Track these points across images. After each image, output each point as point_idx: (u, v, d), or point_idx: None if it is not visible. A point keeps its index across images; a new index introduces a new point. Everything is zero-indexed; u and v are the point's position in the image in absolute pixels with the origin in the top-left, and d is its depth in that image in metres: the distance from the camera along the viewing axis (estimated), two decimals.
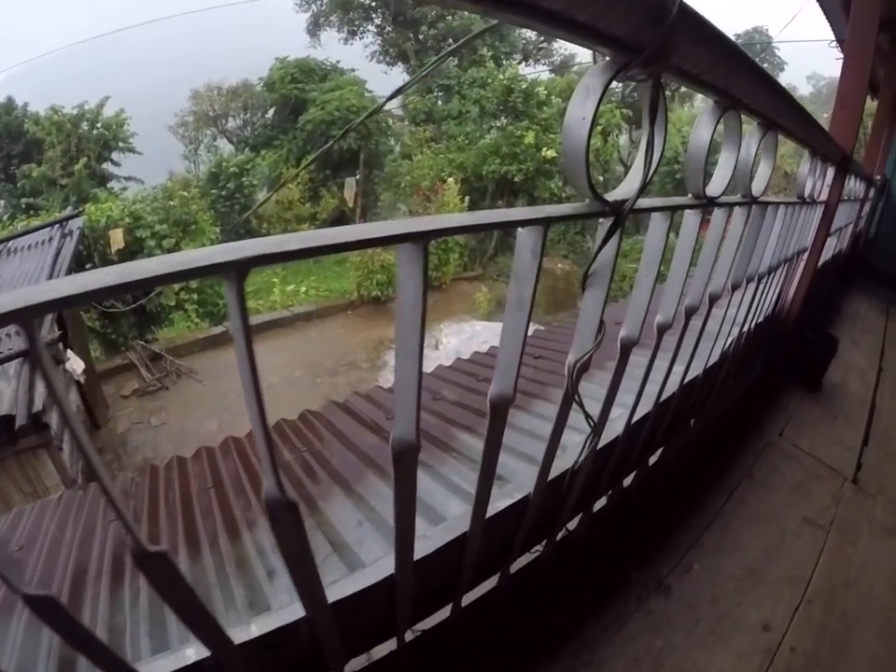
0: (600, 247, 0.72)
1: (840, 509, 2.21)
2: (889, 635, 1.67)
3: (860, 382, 3.66)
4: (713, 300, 1.33)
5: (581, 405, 0.89)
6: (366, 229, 0.53)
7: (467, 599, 1.23)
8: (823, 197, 2.68)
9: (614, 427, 1.30)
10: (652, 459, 1.80)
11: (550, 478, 1.06)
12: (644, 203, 0.78)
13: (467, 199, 16.97)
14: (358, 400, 2.66)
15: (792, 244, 2.16)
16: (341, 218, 18.31)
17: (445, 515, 1.26)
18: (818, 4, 5.80)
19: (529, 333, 2.55)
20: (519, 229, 0.63)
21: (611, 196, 0.71)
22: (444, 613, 1.21)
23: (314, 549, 1.25)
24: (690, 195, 0.97)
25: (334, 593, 0.88)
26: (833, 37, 6.56)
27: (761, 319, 2.23)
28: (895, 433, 3.06)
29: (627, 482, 1.68)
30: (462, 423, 1.97)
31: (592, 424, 0.99)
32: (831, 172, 2.67)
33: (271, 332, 12.62)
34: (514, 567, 1.29)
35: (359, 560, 1.24)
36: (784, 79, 27.37)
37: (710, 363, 1.68)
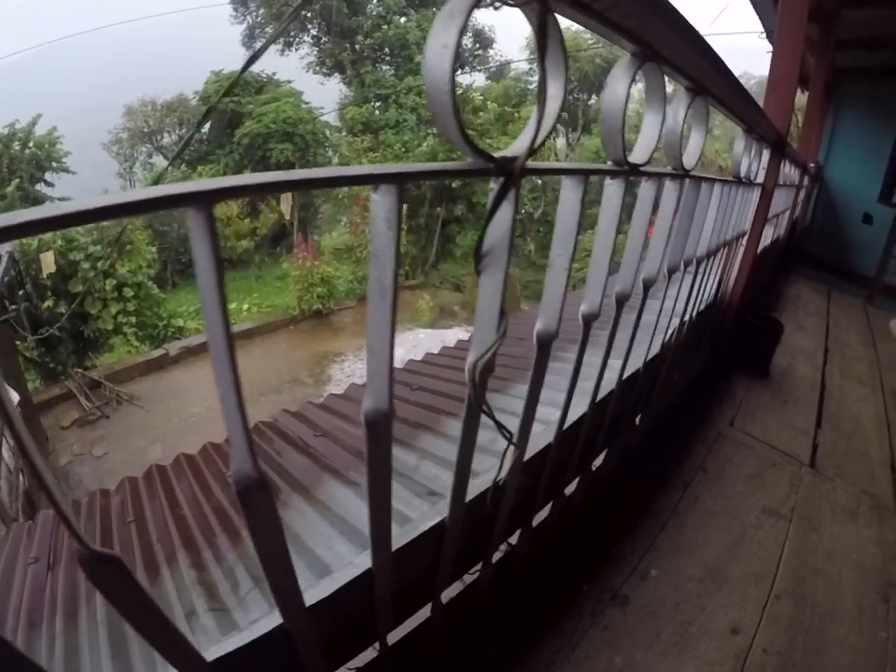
0: (489, 216, 0.58)
1: (800, 495, 2.18)
2: (865, 623, 1.62)
3: (807, 364, 3.71)
4: (647, 285, 1.22)
5: (489, 414, 0.74)
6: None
7: (393, 637, 1.08)
8: (760, 179, 2.65)
9: (547, 433, 1.17)
10: (597, 463, 1.68)
11: (472, 496, 0.92)
12: (547, 164, 0.65)
13: (405, 206, 16.97)
14: (288, 419, 2.49)
15: (731, 227, 2.09)
16: (281, 233, 18.10)
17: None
18: None
19: (465, 337, 2.43)
20: (372, 195, 0.49)
21: (500, 153, 0.57)
22: (370, 654, 1.06)
23: (237, 579, 1.09)
24: (609, 161, 0.84)
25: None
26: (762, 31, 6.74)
27: (702, 307, 2.15)
28: (847, 412, 3.11)
29: (570, 489, 1.54)
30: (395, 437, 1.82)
31: (507, 435, 0.84)
32: (766, 153, 2.64)
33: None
34: (447, 596, 1.14)
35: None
36: None
37: (651, 356, 1.56)
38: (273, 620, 0.76)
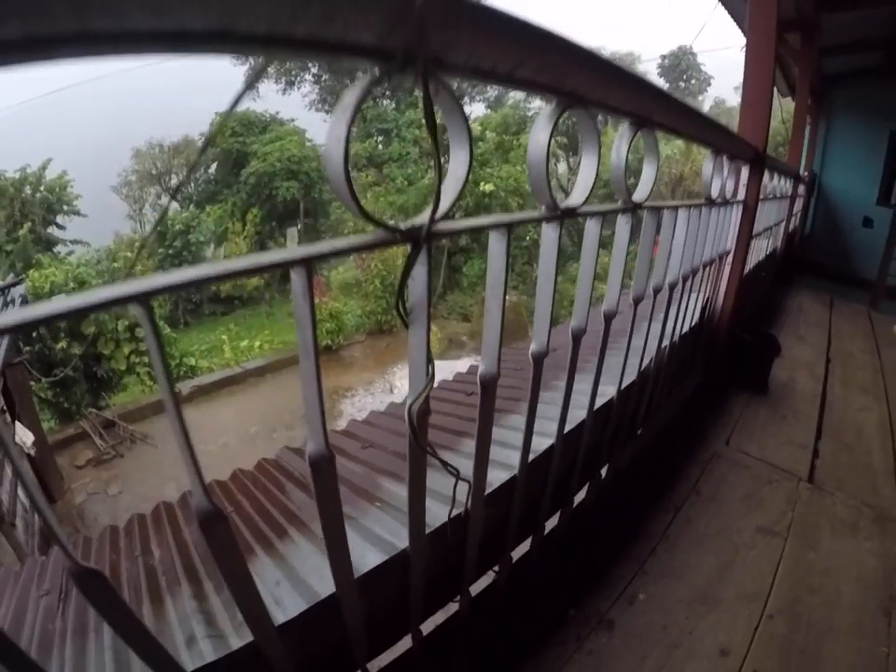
0: (403, 279, 0.63)
1: (797, 512, 2.14)
2: (864, 639, 1.59)
3: (808, 376, 3.66)
4: (608, 317, 1.26)
5: (434, 454, 0.79)
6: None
7: (376, 666, 1.11)
8: (741, 196, 2.67)
9: (512, 467, 1.20)
10: (579, 496, 1.70)
11: (433, 528, 0.96)
12: (463, 222, 0.70)
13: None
14: (289, 455, 2.53)
15: (709, 248, 2.10)
16: None
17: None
18: (725, 10, 5.97)
19: (465, 370, 2.46)
20: (291, 271, 0.55)
21: (407, 223, 0.62)
22: None
23: (234, 607, 1.12)
24: (543, 207, 0.89)
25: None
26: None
27: (686, 329, 2.16)
28: (849, 423, 3.05)
29: (552, 524, 1.56)
30: (388, 469, 1.86)
31: (454, 472, 0.88)
32: (745, 170, 2.67)
33: (224, 390, 12.48)
34: (427, 628, 1.17)
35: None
36: (712, 93, 28.57)
37: (625, 384, 1.59)
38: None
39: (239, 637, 1.12)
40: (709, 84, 29.18)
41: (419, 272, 0.65)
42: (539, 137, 0.78)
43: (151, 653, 0.70)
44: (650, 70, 27.11)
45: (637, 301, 1.42)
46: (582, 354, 1.31)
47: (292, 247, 0.54)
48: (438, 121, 0.58)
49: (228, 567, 0.70)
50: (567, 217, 0.90)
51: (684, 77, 28.91)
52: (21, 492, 6.98)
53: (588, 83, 0.85)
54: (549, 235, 0.92)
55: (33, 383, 10.35)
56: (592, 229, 1.07)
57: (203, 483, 0.59)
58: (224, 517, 0.63)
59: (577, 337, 1.14)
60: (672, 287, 1.72)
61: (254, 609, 0.75)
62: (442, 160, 0.61)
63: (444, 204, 0.63)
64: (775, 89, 7.89)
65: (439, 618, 1.28)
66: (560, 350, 1.25)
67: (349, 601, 0.86)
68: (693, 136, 1.65)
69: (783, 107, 9.14)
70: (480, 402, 0.90)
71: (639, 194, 1.21)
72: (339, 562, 0.81)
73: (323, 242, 0.56)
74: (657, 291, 1.59)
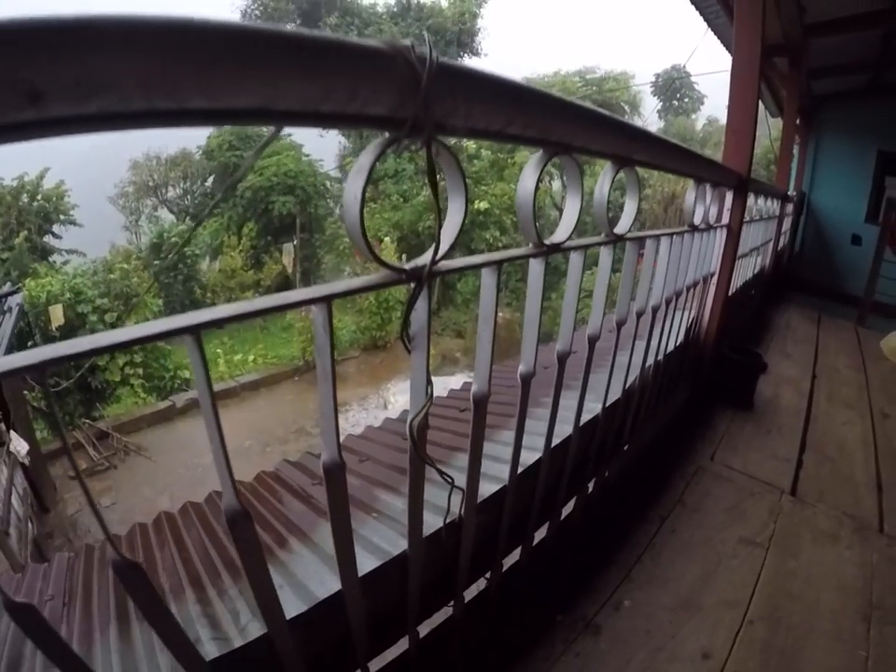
0: (407, 312, 0.73)
1: (779, 523, 2.22)
2: (844, 643, 1.66)
3: (793, 393, 3.75)
4: (592, 341, 1.36)
5: (431, 463, 0.88)
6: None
7: (376, 665, 1.19)
8: (725, 221, 2.78)
9: (502, 479, 1.30)
10: (567, 509, 1.78)
11: (429, 533, 1.05)
12: (460, 260, 0.80)
13: (404, 256, 17.35)
14: (288, 468, 2.60)
15: (692, 271, 2.20)
16: (285, 284, 18.43)
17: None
18: (715, 35, 6.13)
19: (458, 387, 2.53)
20: (312, 307, 0.65)
21: (410, 264, 0.72)
22: None
23: (237, 611, 1.21)
24: (530, 244, 0.99)
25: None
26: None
27: (671, 348, 2.25)
28: (832, 437, 3.13)
29: (541, 534, 1.65)
30: (384, 482, 1.94)
31: (449, 480, 0.98)
32: (729, 196, 2.78)
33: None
34: (423, 631, 1.26)
35: None
36: (706, 111, 28.93)
37: (609, 401, 1.68)
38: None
39: (242, 639, 1.20)
40: (702, 102, 29.60)
41: (421, 305, 0.75)
42: (526, 183, 0.89)
43: (175, 639, 0.78)
44: (643, 89, 27.43)
45: (619, 325, 1.52)
46: (571, 372, 1.40)
47: (315, 286, 0.63)
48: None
49: (249, 561, 0.78)
50: (553, 253, 1.00)
51: (677, 95, 29.31)
52: (14, 501, 7.00)
53: (571, 132, 0.95)
54: (535, 269, 1.02)
55: (26, 392, 10.35)
56: (575, 261, 1.17)
57: (234, 486, 0.69)
58: (249, 516, 0.72)
59: (562, 359, 1.24)
60: (655, 311, 1.81)
61: (269, 601, 0.83)
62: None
63: (444, 247, 0.73)
64: (765, 109, 8.06)
65: (434, 621, 1.36)
66: (550, 368, 1.34)
67: (353, 599, 0.95)
68: (674, 170, 1.76)
69: (776, 126, 9.35)
70: (473, 419, 1.00)
71: (621, 227, 1.31)
72: (345, 560, 0.90)
73: (340, 281, 0.66)
74: (640, 315, 1.69)
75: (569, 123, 0.94)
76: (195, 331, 0.56)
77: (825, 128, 8.62)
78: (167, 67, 0.47)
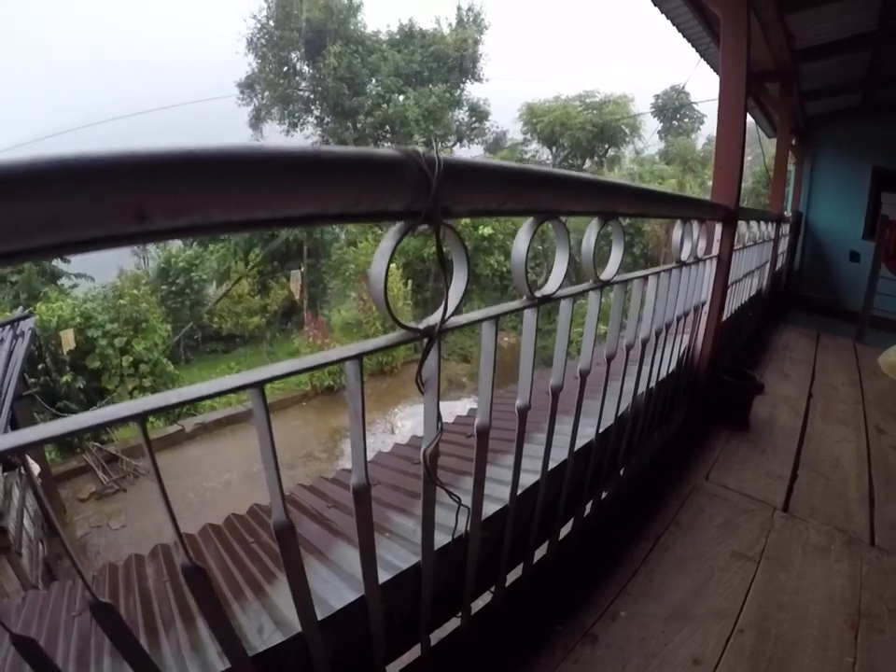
0: (422, 362, 0.89)
1: (770, 538, 2.30)
2: (831, 649, 1.74)
3: (789, 412, 3.82)
4: (583, 375, 1.51)
5: (442, 486, 1.04)
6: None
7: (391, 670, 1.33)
8: (715, 252, 2.90)
9: (503, 498, 1.45)
10: (565, 530, 1.91)
11: (439, 546, 1.20)
12: (465, 316, 0.96)
13: (409, 282, 17.60)
14: (302, 492, 2.73)
15: (683, 303, 2.32)
16: (291, 309, 18.56)
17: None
18: (707, 64, 6.29)
19: (464, 412, 2.67)
20: (346, 363, 0.81)
21: (423, 322, 0.88)
22: None
23: (261, 625, 1.34)
24: (523, 297, 1.15)
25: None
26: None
27: (664, 375, 2.37)
28: (826, 454, 3.20)
29: (541, 552, 1.78)
30: (395, 504, 2.07)
31: (456, 499, 1.13)
32: (718, 227, 2.90)
33: (227, 428, 12.58)
34: (434, 639, 1.40)
35: None
36: (704, 132, 29.23)
37: (603, 428, 1.82)
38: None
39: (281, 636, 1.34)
40: (702, 122, 29.95)
41: (432, 356, 0.91)
42: (519, 247, 1.05)
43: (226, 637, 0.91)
44: (643, 110, 27.82)
45: (609, 359, 1.67)
46: (569, 399, 1.55)
47: (347, 346, 0.79)
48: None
49: (292, 566, 0.92)
50: (543, 304, 1.16)
51: (677, 115, 29.68)
52: (26, 522, 7.13)
53: (558, 200, 1.11)
54: (528, 318, 1.19)
55: (36, 414, 10.48)
56: (565, 307, 1.33)
57: (284, 503, 0.82)
58: (294, 529, 0.86)
59: (555, 392, 1.40)
60: (644, 343, 1.94)
61: (305, 603, 0.97)
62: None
63: (451, 308, 0.89)
64: (760, 131, 8.19)
65: (443, 631, 1.50)
66: (549, 395, 1.49)
67: (374, 605, 1.09)
68: (659, 216, 1.92)
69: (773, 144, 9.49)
70: (476, 448, 1.16)
71: (607, 273, 1.47)
72: (368, 569, 1.04)
73: (368, 341, 0.82)
74: (630, 348, 1.84)
75: (556, 192, 1.10)
76: (260, 385, 0.72)
77: (820, 147, 8.78)
78: (244, 191, 0.62)
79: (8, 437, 0.61)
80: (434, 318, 0.88)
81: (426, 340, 0.87)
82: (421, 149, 0.75)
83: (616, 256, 1.49)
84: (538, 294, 1.15)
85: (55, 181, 0.48)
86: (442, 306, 0.86)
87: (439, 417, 0.98)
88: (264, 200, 0.64)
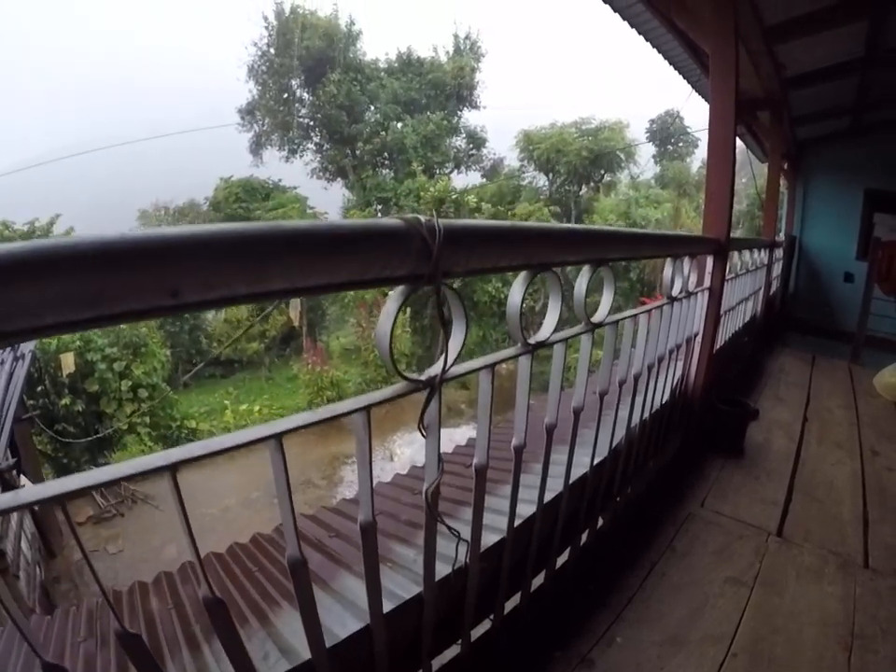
0: (423, 410, 0.97)
1: (764, 563, 2.33)
2: (824, 670, 1.78)
3: (784, 437, 3.85)
4: (577, 412, 1.59)
5: (443, 522, 1.11)
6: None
7: None
8: (707, 284, 2.95)
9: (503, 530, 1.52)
10: (562, 559, 1.97)
11: (440, 577, 1.27)
12: (464, 366, 1.04)
13: (408, 310, 17.67)
14: (304, 521, 2.77)
15: (674, 336, 2.38)
16: (290, 334, 18.64)
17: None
18: (698, 94, 6.42)
19: (463, 441, 2.74)
20: (354, 415, 0.89)
21: (425, 374, 0.97)
22: None
23: (266, 653, 1.40)
24: (518, 344, 1.24)
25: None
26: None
27: (657, 407, 2.42)
28: (821, 478, 3.23)
29: (538, 581, 1.84)
30: (397, 535, 2.13)
31: (456, 534, 1.20)
32: (710, 260, 2.96)
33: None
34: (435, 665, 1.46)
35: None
36: (699, 155, 29.60)
37: (597, 460, 1.88)
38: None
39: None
40: (696, 146, 30.30)
41: (433, 405, 0.99)
42: (514, 298, 1.14)
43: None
44: (638, 135, 28.22)
45: (602, 395, 1.75)
46: (565, 429, 1.62)
47: (356, 398, 0.87)
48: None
49: (303, 598, 0.98)
50: (537, 349, 1.25)
51: (671, 140, 30.06)
52: (24, 545, 7.11)
53: (550, 253, 1.20)
54: (523, 364, 1.27)
55: (35, 436, 10.48)
56: (558, 351, 1.41)
57: (298, 539, 0.89)
58: (306, 564, 0.93)
59: (550, 430, 1.47)
60: (637, 378, 2.01)
61: (316, 633, 1.03)
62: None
63: (451, 359, 0.97)
64: (752, 156, 8.32)
65: (444, 658, 1.55)
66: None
67: (379, 633, 1.16)
68: (649, 256, 2.00)
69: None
70: (475, 485, 1.23)
71: (598, 316, 1.56)
72: (374, 599, 1.11)
73: (375, 392, 0.90)
74: (622, 384, 1.91)
75: (548, 246, 1.19)
76: (278, 437, 0.79)
77: (812, 171, 8.92)
78: (266, 267, 0.70)
79: (51, 485, 0.68)
80: (435, 369, 0.96)
81: (427, 390, 0.95)
82: (423, 218, 0.84)
83: (607, 298, 1.57)
84: (531, 341, 1.23)
85: (99, 262, 0.56)
86: (442, 359, 0.94)
87: (440, 459, 1.05)
88: (281, 273, 0.72)
